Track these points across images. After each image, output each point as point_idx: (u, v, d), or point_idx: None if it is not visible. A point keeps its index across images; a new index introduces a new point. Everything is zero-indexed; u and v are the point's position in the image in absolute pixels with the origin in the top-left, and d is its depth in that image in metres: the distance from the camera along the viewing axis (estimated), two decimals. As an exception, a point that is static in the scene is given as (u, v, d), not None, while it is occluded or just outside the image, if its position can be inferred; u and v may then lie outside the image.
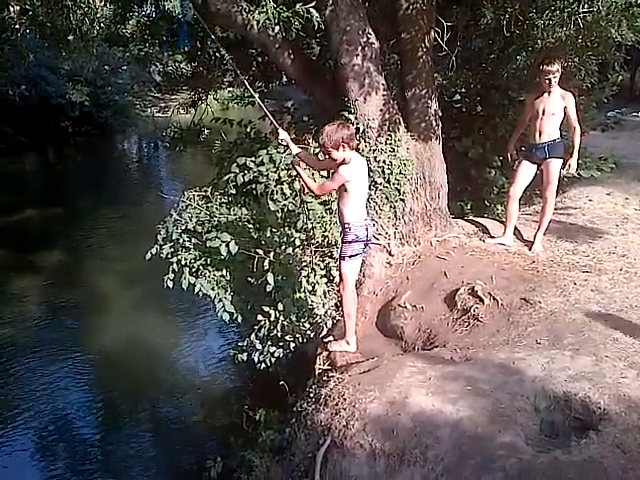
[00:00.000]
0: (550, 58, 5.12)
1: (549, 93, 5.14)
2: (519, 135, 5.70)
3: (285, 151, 5.07)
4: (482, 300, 4.47)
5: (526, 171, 5.49)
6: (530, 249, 5.38)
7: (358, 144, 4.27)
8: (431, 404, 3.21)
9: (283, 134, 4.43)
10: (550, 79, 5.04)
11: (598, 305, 4.20)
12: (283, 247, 5.12)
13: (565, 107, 5.14)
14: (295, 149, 4.45)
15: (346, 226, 4.10)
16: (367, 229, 4.11)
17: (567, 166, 5.29)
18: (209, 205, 5.45)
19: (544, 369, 3.39)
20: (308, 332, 5.04)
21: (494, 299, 4.44)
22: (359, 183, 4.04)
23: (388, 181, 5.31)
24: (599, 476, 2.53)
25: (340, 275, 4.31)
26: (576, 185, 7.35)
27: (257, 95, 5.41)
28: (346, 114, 5.15)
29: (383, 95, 5.19)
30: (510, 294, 4.49)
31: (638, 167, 8.35)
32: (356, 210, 4.08)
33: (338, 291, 4.59)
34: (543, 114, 5.18)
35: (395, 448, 3.01)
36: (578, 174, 7.22)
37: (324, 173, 5.02)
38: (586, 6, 5.17)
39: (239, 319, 5.26)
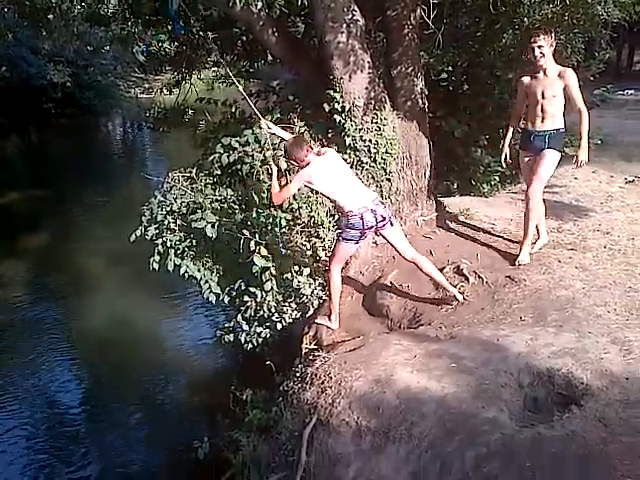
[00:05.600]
0: (539, 30, 4.41)
1: (544, 72, 4.34)
2: (516, 128, 4.89)
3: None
4: (467, 278, 4.50)
5: (530, 164, 4.66)
6: (515, 261, 4.60)
7: (319, 150, 4.37)
8: (416, 381, 3.23)
9: (265, 123, 4.58)
10: (534, 48, 4.27)
11: (582, 282, 4.24)
12: (269, 228, 5.09)
13: (565, 87, 4.30)
14: (286, 135, 4.58)
15: (343, 213, 4.23)
16: (362, 217, 4.10)
17: (576, 159, 4.41)
18: (194, 186, 5.38)
19: (528, 346, 3.42)
20: (294, 312, 5.05)
21: (479, 277, 4.47)
22: (325, 182, 4.18)
23: (374, 160, 5.29)
24: (581, 450, 2.56)
25: (332, 251, 4.43)
26: (561, 163, 7.35)
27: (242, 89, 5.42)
28: (331, 92, 5.11)
29: (369, 73, 5.14)
30: (495, 272, 4.52)
31: (623, 145, 8.39)
32: (346, 201, 4.15)
33: (326, 267, 4.65)
34: (543, 97, 4.37)
35: (380, 425, 3.03)
36: (564, 152, 7.24)
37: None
38: (572, -18, 5.14)
39: (225, 300, 5.25)
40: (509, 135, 4.87)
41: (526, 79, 4.52)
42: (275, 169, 4.43)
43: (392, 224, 4.30)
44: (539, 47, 4.27)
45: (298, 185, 4.30)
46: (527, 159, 4.69)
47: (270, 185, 5.08)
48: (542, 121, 4.46)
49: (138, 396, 5.92)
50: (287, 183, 4.48)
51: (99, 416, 5.64)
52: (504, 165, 4.99)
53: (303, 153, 4.20)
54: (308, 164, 4.20)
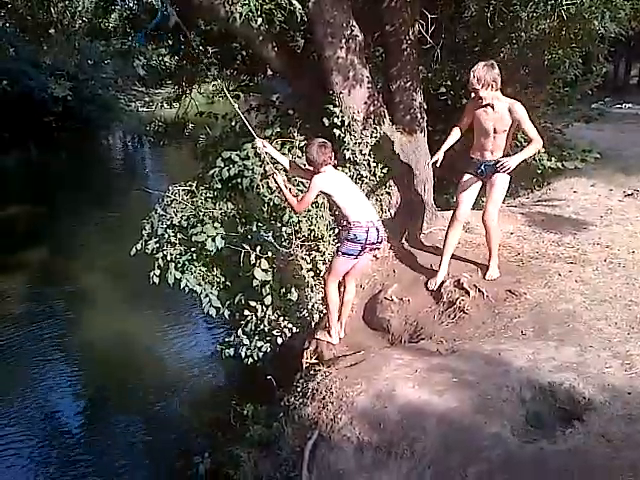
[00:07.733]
0: (480, 63, 4.36)
1: (492, 107, 4.36)
2: (454, 142, 4.79)
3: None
4: (468, 292, 4.49)
5: (472, 188, 4.74)
6: (485, 276, 4.66)
7: (335, 162, 4.33)
8: (418, 396, 3.22)
9: (260, 142, 4.46)
10: (473, 90, 4.34)
11: (582, 296, 4.23)
12: (269, 241, 5.09)
13: (514, 121, 4.33)
14: (280, 157, 4.54)
15: (347, 224, 4.13)
16: (368, 231, 4.06)
17: (505, 161, 4.35)
18: (194, 200, 5.40)
19: (529, 360, 3.41)
20: (295, 326, 5.04)
21: (479, 291, 4.46)
22: (339, 189, 4.15)
23: (374, 174, 5.32)
24: (583, 465, 2.55)
25: (329, 266, 4.41)
26: (560, 177, 7.40)
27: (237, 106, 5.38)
28: (331, 107, 5.13)
29: (368, 88, 5.18)
30: (495, 286, 4.51)
31: (622, 158, 8.41)
32: (354, 211, 4.10)
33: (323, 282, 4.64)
34: (495, 132, 4.42)
35: (382, 441, 3.02)
36: (562, 165, 7.28)
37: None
38: (569, -2, 5.18)
39: (226, 314, 5.24)
40: (449, 141, 4.78)
41: (477, 111, 4.49)
42: (280, 179, 4.34)
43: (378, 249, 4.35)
44: (474, 90, 4.33)
45: (316, 190, 4.13)
46: (468, 177, 4.72)
47: (270, 199, 5.13)
48: (492, 153, 4.52)
49: (137, 411, 5.89)
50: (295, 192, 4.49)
51: (98, 431, 5.60)
52: (429, 167, 4.76)
53: (322, 159, 4.05)
54: (319, 172, 4.11)
